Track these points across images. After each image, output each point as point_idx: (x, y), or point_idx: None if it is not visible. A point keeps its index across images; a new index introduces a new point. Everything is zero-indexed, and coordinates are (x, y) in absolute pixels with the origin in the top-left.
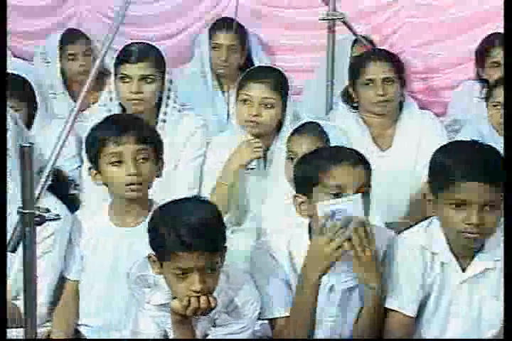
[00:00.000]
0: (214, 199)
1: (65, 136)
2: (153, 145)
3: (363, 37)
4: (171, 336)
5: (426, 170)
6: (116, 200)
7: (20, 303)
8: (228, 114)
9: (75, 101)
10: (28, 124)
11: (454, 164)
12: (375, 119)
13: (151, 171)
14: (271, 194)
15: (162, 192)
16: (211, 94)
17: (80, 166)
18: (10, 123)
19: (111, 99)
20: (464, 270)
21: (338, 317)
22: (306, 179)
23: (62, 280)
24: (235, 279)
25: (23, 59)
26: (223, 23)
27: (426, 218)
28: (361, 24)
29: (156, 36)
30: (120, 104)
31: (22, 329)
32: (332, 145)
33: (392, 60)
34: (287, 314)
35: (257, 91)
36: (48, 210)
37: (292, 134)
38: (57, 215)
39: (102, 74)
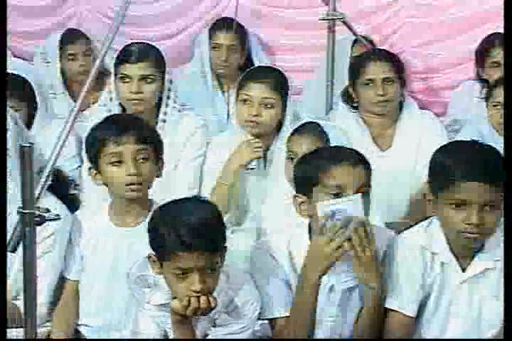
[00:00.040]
0: (214, 199)
1: (65, 136)
2: (153, 145)
3: (363, 37)
4: (171, 336)
5: (426, 170)
6: (116, 200)
7: (20, 303)
8: (228, 114)
9: (75, 101)
10: (28, 124)
11: (454, 164)
12: (375, 119)
13: (151, 171)
14: (271, 194)
15: (162, 192)
16: (211, 94)
17: (80, 166)
18: (10, 123)
19: (111, 99)
20: (464, 270)
21: (338, 317)
22: (306, 179)
23: (62, 280)
24: (235, 279)
25: (23, 59)
26: (223, 23)
27: (426, 218)
28: (361, 24)
29: (156, 36)
30: (120, 104)
31: (22, 329)
32: (332, 145)
33: (392, 60)
34: (287, 314)
35: (257, 91)
36: (48, 210)
37: (292, 134)
38: (57, 215)
39: (102, 74)
